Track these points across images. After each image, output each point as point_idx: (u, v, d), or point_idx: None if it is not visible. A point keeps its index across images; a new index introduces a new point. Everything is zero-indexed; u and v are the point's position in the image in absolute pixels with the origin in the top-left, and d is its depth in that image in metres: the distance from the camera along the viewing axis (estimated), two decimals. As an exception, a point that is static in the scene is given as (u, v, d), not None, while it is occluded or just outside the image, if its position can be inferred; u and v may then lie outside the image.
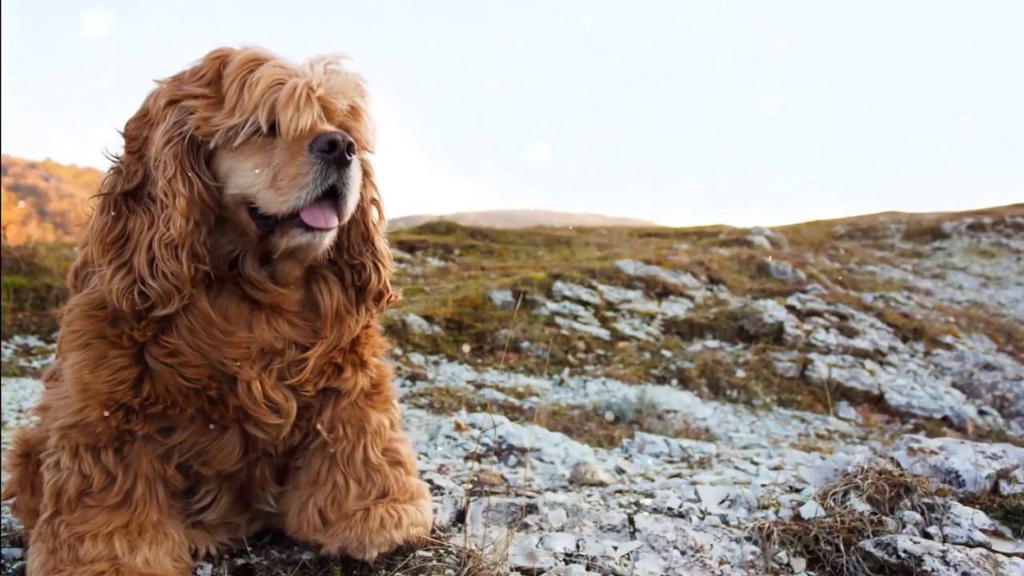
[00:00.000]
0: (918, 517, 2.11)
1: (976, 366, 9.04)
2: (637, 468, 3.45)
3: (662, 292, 11.14)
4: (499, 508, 2.22)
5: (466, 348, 7.59)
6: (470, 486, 2.63)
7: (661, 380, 7.85)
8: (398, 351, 7.36)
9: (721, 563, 1.95)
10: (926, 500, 2.17)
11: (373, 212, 1.74)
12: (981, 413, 8.04)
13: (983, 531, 2.06)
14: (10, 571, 1.83)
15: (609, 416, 6.03)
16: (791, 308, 10.43)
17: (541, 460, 3.47)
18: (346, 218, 1.57)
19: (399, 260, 13.82)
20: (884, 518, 2.10)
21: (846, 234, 23.73)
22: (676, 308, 10.60)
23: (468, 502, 2.27)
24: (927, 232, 22.80)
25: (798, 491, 2.52)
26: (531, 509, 2.22)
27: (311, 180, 1.47)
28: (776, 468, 3.34)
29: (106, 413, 1.56)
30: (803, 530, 2.05)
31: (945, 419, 7.58)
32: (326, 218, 1.52)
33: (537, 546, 1.97)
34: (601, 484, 2.89)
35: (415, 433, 4.22)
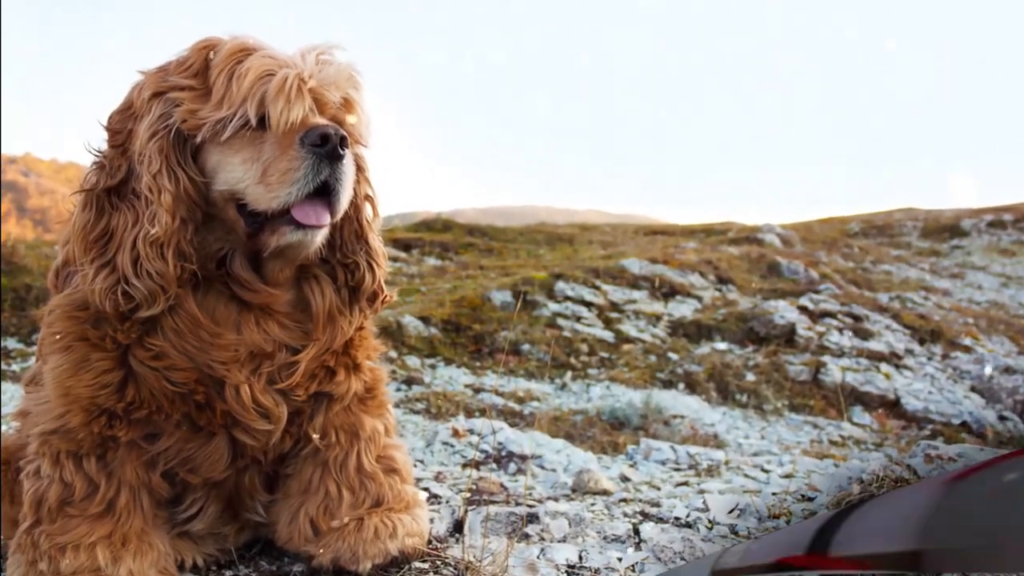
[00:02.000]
0: (937, 529, 2.03)
1: (996, 369, 8.87)
2: (642, 476, 3.38)
3: (668, 292, 11.01)
4: (498, 518, 2.16)
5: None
6: (468, 495, 2.57)
7: (667, 384, 7.74)
8: (393, 354, 7.29)
9: None
10: (945, 511, 2.09)
11: (367, 209, 1.69)
12: (1001, 419, 7.86)
13: (1005, 544, 1.98)
14: (-11, 582, 1.78)
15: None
16: (803, 309, 10.27)
17: (542, 467, 3.41)
18: (339, 215, 1.51)
19: (394, 259, 13.68)
20: (901, 530, 2.02)
21: (861, 232, 23.40)
22: (683, 309, 10.48)
23: (466, 511, 2.21)
24: (945, 230, 22.35)
25: (810, 500, 2.45)
26: (532, 519, 2.17)
27: (302, 176, 1.42)
28: (787, 476, 3.26)
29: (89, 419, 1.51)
30: (816, 542, 1.97)
31: (964, 425, 7.43)
32: (318, 215, 1.47)
33: (538, 557, 1.91)
34: (605, 493, 2.83)
35: (411, 439, 4.16)
